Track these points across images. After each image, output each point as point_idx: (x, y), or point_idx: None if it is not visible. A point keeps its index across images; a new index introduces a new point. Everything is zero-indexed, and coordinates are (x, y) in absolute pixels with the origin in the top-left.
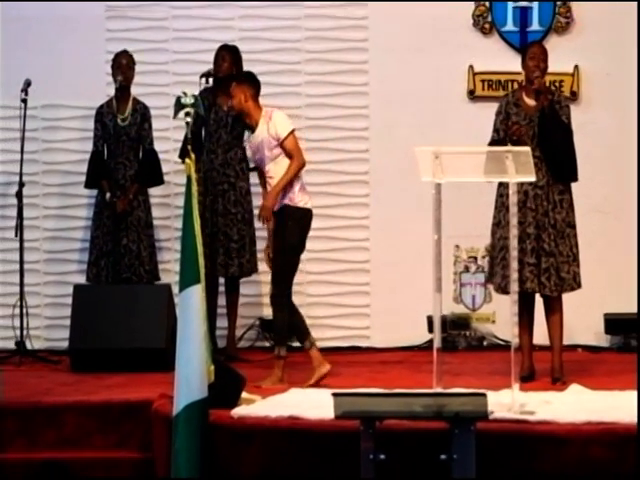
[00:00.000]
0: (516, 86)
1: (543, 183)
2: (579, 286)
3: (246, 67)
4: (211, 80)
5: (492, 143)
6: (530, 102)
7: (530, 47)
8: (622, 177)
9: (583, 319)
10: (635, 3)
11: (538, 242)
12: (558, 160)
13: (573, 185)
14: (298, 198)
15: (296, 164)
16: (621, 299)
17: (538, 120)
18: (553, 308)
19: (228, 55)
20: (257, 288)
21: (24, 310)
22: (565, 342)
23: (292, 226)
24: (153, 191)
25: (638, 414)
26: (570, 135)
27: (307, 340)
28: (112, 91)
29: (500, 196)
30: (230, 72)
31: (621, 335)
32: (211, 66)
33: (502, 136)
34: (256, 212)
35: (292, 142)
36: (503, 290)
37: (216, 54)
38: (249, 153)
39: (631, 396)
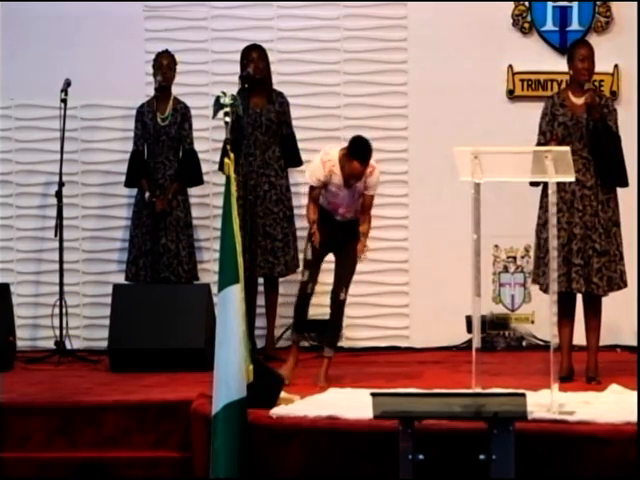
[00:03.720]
0: (555, 86)
1: (591, 183)
2: (626, 285)
3: (285, 67)
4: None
5: (539, 146)
6: (577, 102)
7: (579, 47)
8: None
9: (623, 319)
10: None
11: (586, 243)
12: (609, 167)
13: None
14: None
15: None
16: None
17: (591, 132)
18: (594, 308)
19: (263, 55)
20: (295, 288)
21: (63, 310)
22: (605, 342)
23: None
24: (192, 191)
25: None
26: (619, 142)
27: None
28: (152, 91)
29: (545, 196)
30: (266, 73)
31: None
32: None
33: (549, 138)
34: (296, 212)
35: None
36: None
37: (248, 55)
38: (318, 182)
39: None
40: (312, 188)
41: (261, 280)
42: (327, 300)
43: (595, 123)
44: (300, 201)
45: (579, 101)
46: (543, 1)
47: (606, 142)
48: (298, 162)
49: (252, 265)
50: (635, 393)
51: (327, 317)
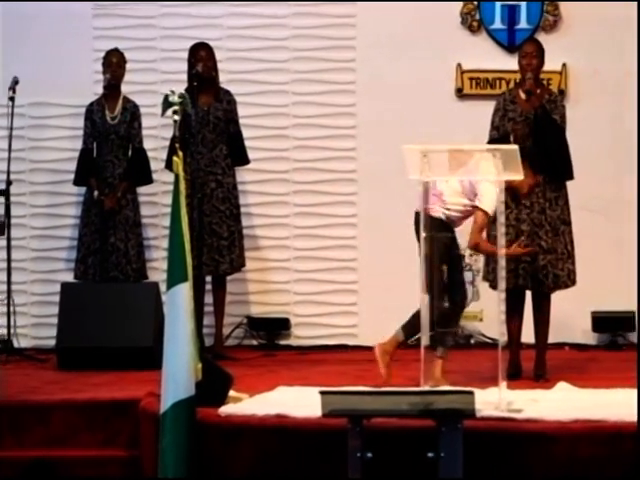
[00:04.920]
0: (504, 84)
1: (540, 180)
2: (573, 283)
3: (233, 65)
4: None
5: (491, 142)
6: (526, 100)
7: (523, 45)
8: (610, 175)
9: (571, 317)
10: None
11: (533, 239)
12: (552, 160)
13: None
14: None
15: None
16: (609, 297)
17: (532, 121)
18: (542, 306)
19: (211, 53)
20: (244, 286)
21: (11, 308)
22: (553, 340)
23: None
24: (141, 189)
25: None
26: (563, 135)
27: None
28: (101, 89)
29: None
30: (214, 71)
31: (608, 333)
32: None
33: (502, 134)
34: (243, 210)
35: None
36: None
37: (197, 53)
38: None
39: (618, 394)
40: (484, 224)
41: (209, 278)
42: (279, 298)
43: (536, 110)
44: (247, 199)
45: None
46: (492, 0)
47: (547, 130)
48: (245, 160)
49: (199, 263)
50: (582, 390)
51: (279, 316)
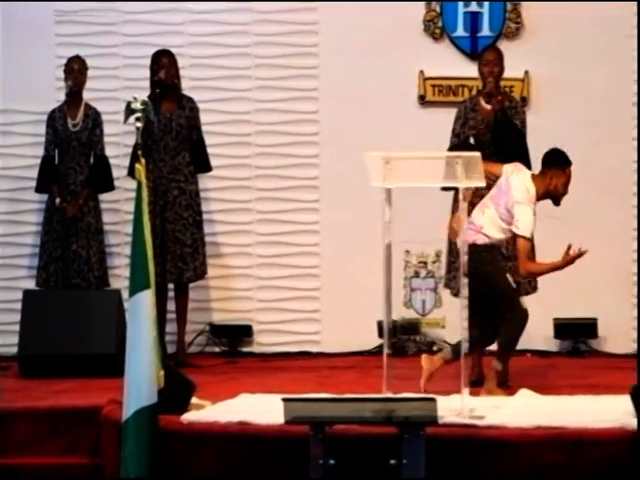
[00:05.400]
0: (466, 91)
1: None
2: (535, 290)
3: (196, 72)
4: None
5: (452, 148)
6: (487, 107)
7: (484, 52)
8: (572, 182)
9: (533, 324)
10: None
11: None
12: (510, 159)
13: None
14: None
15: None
16: (570, 304)
17: (492, 125)
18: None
19: (174, 61)
20: (206, 293)
21: None
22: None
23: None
24: (103, 196)
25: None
26: (523, 138)
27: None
28: (63, 96)
29: (456, 201)
30: (177, 78)
31: (570, 340)
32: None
33: (462, 140)
34: (206, 217)
35: None
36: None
37: (159, 60)
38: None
39: (580, 400)
40: (529, 248)
41: (172, 286)
42: (241, 305)
43: (496, 113)
44: (209, 206)
45: (489, 106)
46: (454, 1)
47: (507, 133)
48: (207, 168)
49: (162, 271)
50: (544, 397)
51: (241, 323)
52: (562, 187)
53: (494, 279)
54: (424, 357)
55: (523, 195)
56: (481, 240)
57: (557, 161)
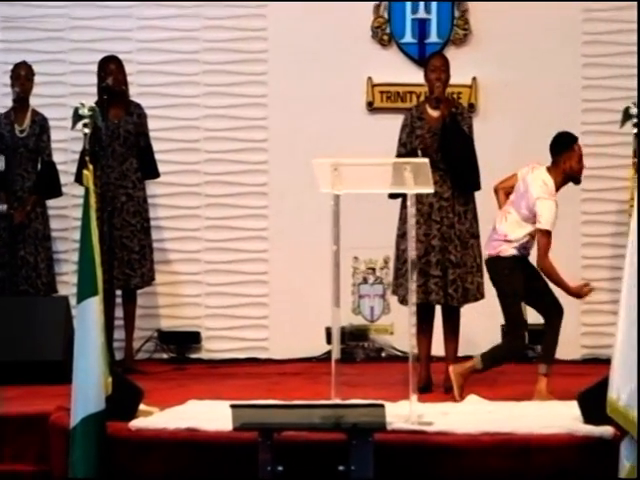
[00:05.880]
0: (414, 98)
1: (448, 195)
2: (482, 296)
3: (144, 78)
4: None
5: (399, 157)
6: (434, 114)
7: (431, 59)
8: None
9: (480, 330)
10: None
11: (444, 254)
12: (460, 169)
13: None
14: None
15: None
16: None
17: (440, 130)
18: (452, 319)
19: (121, 67)
20: (154, 300)
21: None
22: (463, 353)
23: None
24: (51, 203)
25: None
26: (471, 144)
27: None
28: (9, 102)
29: (404, 208)
30: (124, 84)
31: None
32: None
33: (409, 149)
34: (153, 223)
35: None
36: (408, 302)
37: (106, 66)
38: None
39: (528, 406)
40: (550, 243)
41: (120, 292)
42: (189, 312)
43: (444, 119)
44: (157, 213)
45: (436, 114)
46: (404, 1)
47: (455, 138)
48: (155, 174)
49: (110, 277)
50: (492, 403)
51: (189, 329)
52: (577, 165)
53: (510, 301)
54: (451, 368)
55: (543, 190)
56: (505, 252)
57: (563, 145)
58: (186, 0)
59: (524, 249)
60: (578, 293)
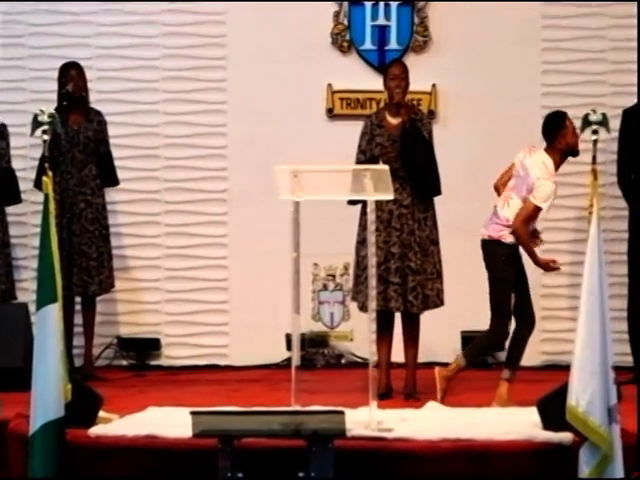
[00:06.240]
0: (374, 105)
1: (408, 202)
2: (442, 303)
3: (103, 85)
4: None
5: (359, 164)
6: (393, 121)
7: (390, 67)
8: (479, 194)
9: (440, 336)
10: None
11: (403, 261)
12: (420, 175)
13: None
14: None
15: None
16: (478, 316)
17: (400, 136)
18: (411, 326)
19: (82, 73)
20: (114, 306)
21: None
22: (423, 359)
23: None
24: (10, 209)
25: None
26: (431, 150)
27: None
28: None
29: (364, 214)
30: (84, 91)
31: None
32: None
33: (369, 157)
34: (112, 230)
35: None
36: (367, 309)
37: (67, 72)
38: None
39: (487, 413)
40: (534, 218)
41: (79, 299)
42: (149, 319)
43: (404, 124)
44: (117, 219)
45: (395, 121)
46: (363, 3)
47: (415, 144)
48: (114, 182)
49: (69, 284)
50: (452, 409)
51: (149, 336)
52: (572, 139)
53: (501, 287)
54: (436, 371)
55: (542, 171)
56: (506, 238)
57: (555, 125)
58: (150, 0)
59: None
60: (545, 266)
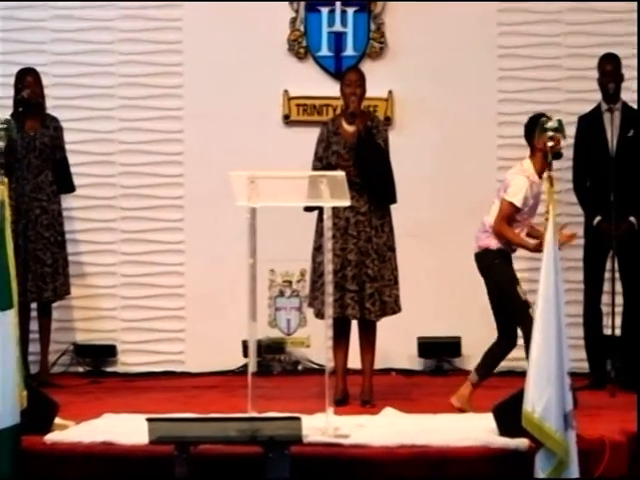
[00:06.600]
0: (331, 111)
1: (365, 209)
2: (400, 309)
3: (59, 91)
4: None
5: (315, 171)
6: (349, 129)
7: (346, 74)
8: (434, 202)
9: (397, 342)
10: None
11: (361, 268)
12: (376, 183)
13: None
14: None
15: None
16: (433, 323)
17: (356, 145)
18: (368, 332)
19: (38, 79)
20: (70, 313)
21: None
22: (379, 366)
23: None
24: None
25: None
26: (387, 158)
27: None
28: None
29: (321, 221)
30: (41, 97)
31: (434, 358)
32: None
33: (325, 164)
34: (68, 236)
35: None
36: (323, 316)
37: (23, 78)
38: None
39: (443, 419)
40: (510, 214)
41: (35, 305)
42: (105, 325)
43: (359, 133)
44: (73, 226)
45: (351, 128)
46: (319, 10)
47: (370, 152)
48: (71, 188)
49: (24, 290)
50: (408, 415)
51: (105, 342)
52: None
53: (506, 290)
54: (453, 400)
55: (516, 169)
56: (493, 245)
57: (532, 127)
58: (107, 0)
59: (507, 245)
60: (538, 249)
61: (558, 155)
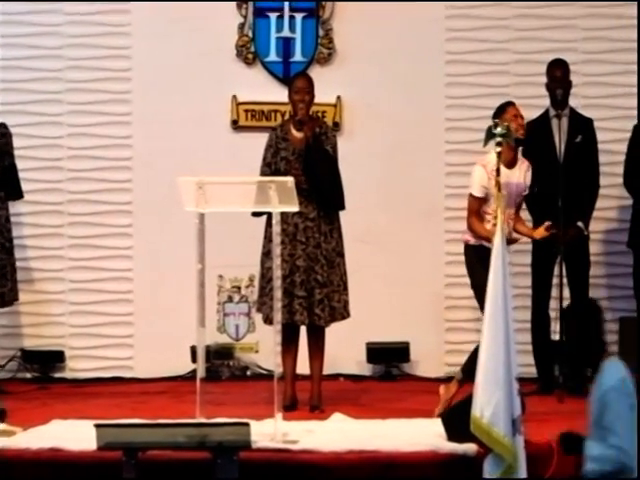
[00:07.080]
0: (279, 116)
1: (314, 215)
2: (349, 315)
3: (7, 96)
4: None
5: (264, 176)
6: (298, 135)
7: (295, 80)
8: (383, 207)
9: (346, 348)
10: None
11: (309, 274)
12: (324, 190)
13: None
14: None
15: None
16: (383, 328)
17: (304, 151)
18: (317, 338)
19: None
20: (17, 319)
21: None
22: (328, 371)
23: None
24: None
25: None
26: (335, 165)
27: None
28: None
29: (270, 226)
30: None
31: (383, 364)
32: None
33: (274, 170)
34: (16, 242)
35: None
36: (272, 321)
37: None
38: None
39: (392, 424)
40: (474, 206)
41: None
42: (53, 331)
43: (307, 140)
44: (21, 231)
45: (300, 135)
46: (267, 15)
47: (318, 160)
48: (19, 194)
49: None
50: (357, 421)
51: (53, 348)
52: (514, 125)
53: (477, 293)
54: (441, 387)
55: (479, 160)
56: (473, 240)
57: (496, 113)
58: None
59: (487, 240)
60: (542, 235)
61: (520, 141)
